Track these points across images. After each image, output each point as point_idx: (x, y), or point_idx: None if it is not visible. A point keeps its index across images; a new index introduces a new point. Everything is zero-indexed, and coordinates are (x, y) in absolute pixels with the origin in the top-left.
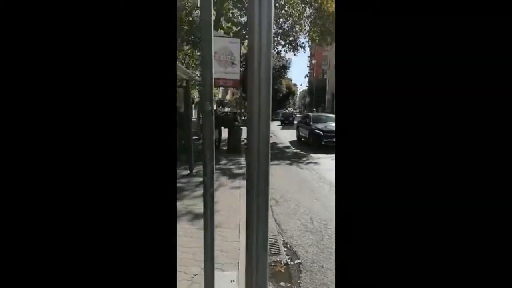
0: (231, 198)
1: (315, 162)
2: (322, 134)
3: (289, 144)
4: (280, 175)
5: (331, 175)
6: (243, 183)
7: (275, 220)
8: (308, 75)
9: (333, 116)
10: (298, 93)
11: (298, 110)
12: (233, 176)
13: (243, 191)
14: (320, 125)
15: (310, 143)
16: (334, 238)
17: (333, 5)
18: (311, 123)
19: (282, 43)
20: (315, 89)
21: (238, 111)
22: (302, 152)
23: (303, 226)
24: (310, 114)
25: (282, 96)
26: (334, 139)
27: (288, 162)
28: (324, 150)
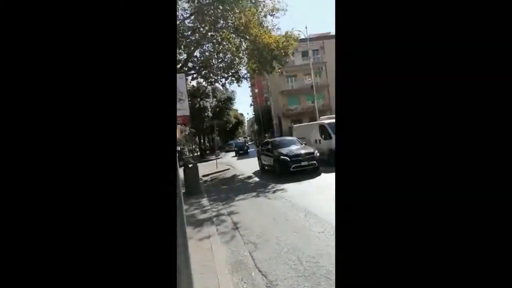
0: (201, 254)
1: (282, 189)
2: (289, 160)
3: (251, 175)
4: (250, 209)
5: (302, 201)
6: (213, 230)
7: (260, 271)
8: (253, 103)
9: (295, 138)
10: (245, 122)
11: (248, 138)
12: (198, 223)
13: (214, 239)
14: (284, 150)
15: (277, 171)
16: (332, 280)
17: (267, 37)
18: (274, 149)
19: (225, 75)
20: (262, 116)
21: (189, 148)
22: (266, 181)
23: (292, 270)
24: (270, 140)
25: (232, 126)
26: (302, 163)
27: (253, 194)
28: (292, 177)
